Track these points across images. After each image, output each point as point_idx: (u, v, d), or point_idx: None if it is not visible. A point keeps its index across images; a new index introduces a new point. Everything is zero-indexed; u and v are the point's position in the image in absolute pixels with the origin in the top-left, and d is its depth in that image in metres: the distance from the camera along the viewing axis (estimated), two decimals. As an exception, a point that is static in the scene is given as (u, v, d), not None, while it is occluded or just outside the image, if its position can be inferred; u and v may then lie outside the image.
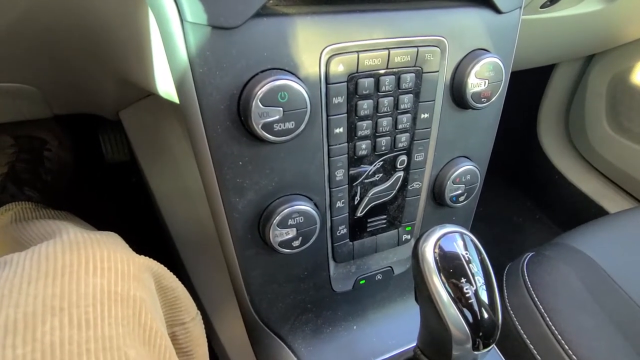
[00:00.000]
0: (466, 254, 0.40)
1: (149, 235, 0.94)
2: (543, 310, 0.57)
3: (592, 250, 0.69)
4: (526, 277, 0.62)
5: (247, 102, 0.36)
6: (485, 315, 0.39)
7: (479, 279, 0.39)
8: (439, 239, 0.40)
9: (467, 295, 0.38)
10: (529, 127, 1.32)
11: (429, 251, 0.39)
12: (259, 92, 0.35)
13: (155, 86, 0.44)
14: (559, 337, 0.54)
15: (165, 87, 0.42)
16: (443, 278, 0.38)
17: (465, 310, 0.38)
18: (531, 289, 0.60)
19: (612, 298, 0.62)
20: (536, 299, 0.59)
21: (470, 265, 0.39)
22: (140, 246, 1.02)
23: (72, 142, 0.93)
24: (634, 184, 1.14)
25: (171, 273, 0.42)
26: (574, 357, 0.52)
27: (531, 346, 0.56)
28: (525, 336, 0.57)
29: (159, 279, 0.40)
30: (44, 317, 0.28)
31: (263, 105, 0.36)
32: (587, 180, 1.26)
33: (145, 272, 0.37)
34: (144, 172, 0.73)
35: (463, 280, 0.39)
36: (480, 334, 0.39)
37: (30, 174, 0.82)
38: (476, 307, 0.38)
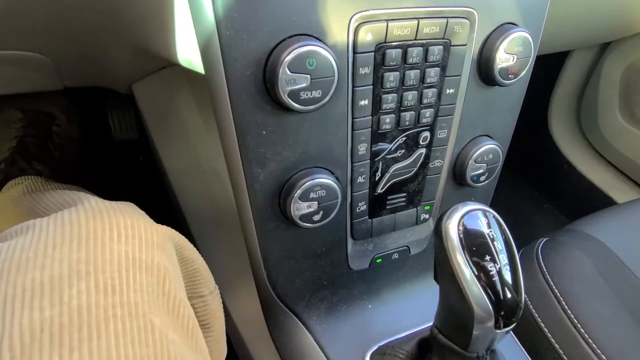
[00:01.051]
0: (490, 232, 0.39)
1: (159, 213, 0.94)
2: (559, 294, 0.56)
3: (605, 237, 0.68)
4: (541, 262, 0.62)
5: (274, 68, 0.34)
6: (509, 294, 0.38)
7: (503, 258, 0.39)
8: (462, 217, 0.39)
9: (490, 273, 0.38)
10: (540, 116, 1.31)
11: (452, 228, 0.38)
12: (287, 58, 0.34)
13: (175, 54, 0.43)
14: (575, 321, 0.54)
15: (187, 54, 0.40)
16: (467, 256, 0.38)
17: (489, 289, 0.38)
18: (546, 273, 0.60)
19: (625, 285, 0.61)
20: (552, 283, 0.58)
21: (495, 243, 0.39)
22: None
23: (80, 117, 0.92)
24: (644, 174, 1.13)
25: (192, 245, 0.41)
26: (590, 341, 0.52)
27: (545, 329, 0.56)
28: (539, 320, 0.57)
29: (181, 249, 0.39)
30: (71, 281, 0.27)
31: (290, 72, 0.35)
32: (596, 171, 1.25)
33: (168, 241, 0.36)
34: (157, 147, 0.72)
35: (487, 258, 0.38)
36: (502, 312, 0.38)
37: (39, 149, 0.81)
38: (499, 286, 0.38)
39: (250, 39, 0.34)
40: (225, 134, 0.38)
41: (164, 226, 0.37)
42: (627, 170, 1.19)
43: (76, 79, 0.69)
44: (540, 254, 0.64)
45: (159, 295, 0.31)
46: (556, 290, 0.57)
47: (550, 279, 0.59)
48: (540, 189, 1.38)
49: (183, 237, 0.40)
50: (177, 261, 0.38)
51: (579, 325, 0.53)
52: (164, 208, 0.84)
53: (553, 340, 0.54)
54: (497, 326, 0.39)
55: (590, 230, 0.70)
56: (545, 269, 0.60)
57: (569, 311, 0.55)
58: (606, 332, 0.53)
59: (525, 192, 1.39)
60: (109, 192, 1.00)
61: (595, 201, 1.21)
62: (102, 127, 1.04)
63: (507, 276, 0.38)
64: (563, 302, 0.56)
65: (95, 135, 1.04)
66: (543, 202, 1.37)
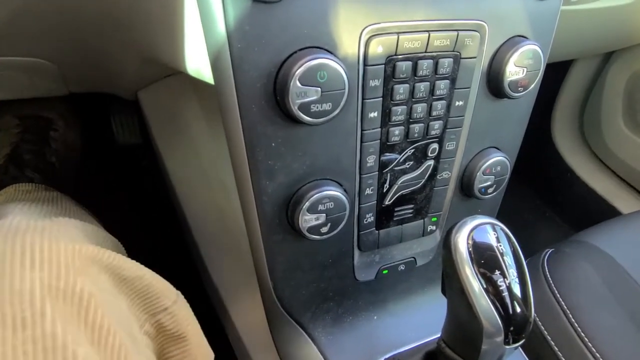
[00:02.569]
0: (499, 245, 0.39)
1: (160, 220, 0.93)
2: (565, 307, 0.56)
3: (611, 249, 0.68)
4: (547, 273, 0.61)
5: (285, 80, 0.34)
6: (518, 309, 0.38)
7: (512, 272, 0.38)
8: (472, 230, 0.39)
9: (500, 287, 0.38)
10: (543, 124, 1.31)
11: (462, 242, 0.38)
12: (298, 71, 0.34)
13: (184, 64, 0.43)
14: (582, 334, 0.53)
15: (196, 64, 0.40)
16: (475, 269, 0.37)
17: (498, 303, 0.37)
18: (552, 285, 0.60)
19: (632, 297, 0.61)
20: (558, 295, 0.58)
21: (504, 257, 0.39)
22: (150, 231, 1.01)
23: (80, 123, 0.91)
24: (648, 184, 1.13)
25: (133, 262, 0.39)
26: (597, 355, 0.51)
27: (552, 342, 0.55)
28: (545, 332, 0.56)
29: (118, 270, 0.36)
30: None
31: (301, 85, 0.34)
32: (599, 179, 1.24)
33: (94, 264, 0.34)
34: (161, 154, 0.72)
35: (497, 272, 0.38)
36: (512, 328, 0.38)
37: (33, 155, 0.80)
38: (508, 300, 0.38)
39: (261, 51, 0.34)
40: (234, 146, 0.38)
41: (92, 247, 0.34)
42: (630, 179, 1.18)
43: (82, 84, 0.69)
44: (546, 265, 0.63)
45: (80, 325, 0.29)
46: (563, 303, 0.57)
47: (556, 291, 0.59)
48: (543, 197, 1.37)
49: (119, 256, 0.37)
50: (111, 285, 0.35)
51: (586, 339, 0.53)
52: (166, 214, 0.84)
53: (560, 354, 0.54)
54: (506, 342, 0.38)
55: (597, 242, 0.69)
56: (551, 281, 0.60)
57: (576, 324, 0.54)
58: (614, 345, 0.53)
59: (527, 201, 1.39)
60: (109, 199, 1.00)
61: (598, 210, 1.21)
62: (105, 132, 1.03)
63: (517, 290, 0.38)
64: (570, 315, 0.55)
65: (97, 141, 1.03)
66: (545, 211, 1.36)
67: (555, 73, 1.21)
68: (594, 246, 0.68)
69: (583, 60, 1.19)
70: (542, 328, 0.57)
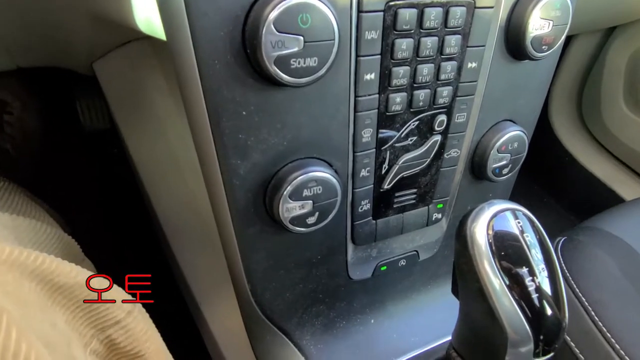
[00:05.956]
0: (526, 236, 0.32)
1: (132, 213, 0.85)
2: (587, 303, 0.49)
3: (625, 235, 0.62)
4: (562, 264, 0.55)
5: (256, 26, 0.26)
6: (549, 312, 0.31)
7: (542, 267, 0.32)
8: (492, 218, 0.32)
9: (527, 286, 0.31)
10: (540, 106, 1.25)
11: (480, 233, 0.32)
12: (273, 13, 0.26)
13: (132, 16, 0.34)
14: (607, 334, 0.47)
15: (145, 13, 0.32)
16: (497, 265, 0.31)
17: (525, 305, 0.31)
18: (570, 277, 0.53)
19: (654, 288, 0.55)
20: (577, 290, 0.51)
21: (531, 250, 0.32)
22: (120, 227, 0.93)
23: (41, 105, 0.81)
24: (649, 167, 1.08)
25: (74, 266, 0.32)
26: (626, 358, 0.45)
27: (572, 343, 0.49)
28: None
29: (50, 277, 0.30)
30: None
31: (278, 32, 0.26)
32: (599, 163, 1.20)
33: (12, 270, 0.28)
34: (124, 135, 0.63)
35: (523, 268, 0.31)
36: (542, 336, 0.31)
37: None
38: (538, 302, 0.31)
39: (223, -13, 0.26)
40: (194, 116, 0.30)
41: (9, 248, 0.28)
42: (631, 163, 1.13)
43: (30, 56, 0.59)
44: (560, 255, 0.57)
45: None
46: (583, 299, 0.50)
47: (574, 285, 0.52)
48: (541, 182, 1.32)
49: (52, 258, 0.31)
50: (39, 295, 0.29)
51: (612, 340, 0.46)
52: (137, 206, 0.76)
53: (582, 357, 0.48)
54: (536, 353, 0.32)
55: (610, 228, 0.63)
56: (568, 274, 0.53)
57: (600, 322, 0.48)
58: (642, 346, 0.46)
59: (524, 186, 1.34)
60: (76, 190, 0.90)
61: (597, 195, 1.16)
62: (69, 116, 0.94)
63: (547, 289, 0.31)
64: (592, 312, 0.49)
65: (61, 126, 0.93)
66: (543, 197, 1.31)
67: (553, 51, 1.15)
68: (609, 233, 0.62)
69: (582, 38, 1.13)
70: (560, 327, 0.51)
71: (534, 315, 0.30)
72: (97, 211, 0.92)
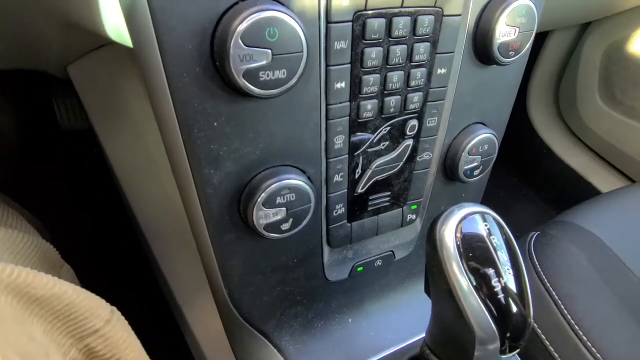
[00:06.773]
0: (493, 239, 0.33)
1: (111, 216, 0.84)
2: (557, 297, 0.51)
3: (597, 229, 0.64)
4: (535, 260, 0.57)
5: (224, 40, 0.26)
6: (515, 310, 0.33)
7: (508, 269, 0.33)
8: (460, 221, 0.33)
9: (494, 286, 0.32)
10: (518, 100, 1.27)
11: (449, 236, 0.33)
12: (240, 27, 0.26)
13: (102, 25, 0.34)
14: (576, 327, 0.49)
15: (115, 22, 0.32)
16: (465, 266, 0.32)
17: (491, 304, 0.32)
18: (541, 272, 0.55)
19: (623, 282, 0.57)
20: (548, 285, 0.53)
21: (498, 252, 0.33)
22: (100, 231, 0.92)
23: (16, 106, 0.80)
24: (624, 159, 1.11)
25: (50, 277, 0.32)
26: (593, 350, 0.47)
27: (543, 336, 0.51)
28: (536, 325, 0.51)
29: (26, 289, 0.30)
30: None
31: (246, 46, 0.27)
32: (576, 156, 1.22)
33: None
34: (100, 139, 0.62)
35: (491, 270, 0.32)
36: (509, 333, 0.33)
37: None
38: (504, 300, 0.32)
39: (191, 1, 0.26)
40: (166, 127, 0.30)
41: None
42: (606, 155, 1.16)
43: (2, 61, 0.58)
44: (533, 250, 0.58)
45: None
46: (554, 293, 0.52)
47: (546, 280, 0.54)
48: (519, 175, 1.34)
49: (28, 271, 0.31)
50: (15, 308, 0.29)
51: (580, 333, 0.48)
52: (117, 209, 0.75)
53: (552, 349, 0.49)
54: (502, 350, 0.33)
55: (582, 222, 0.65)
56: (540, 268, 0.55)
57: (569, 316, 0.50)
58: (610, 338, 0.48)
59: (503, 179, 1.36)
60: (53, 192, 0.89)
61: (575, 187, 1.19)
62: (47, 116, 0.92)
63: (513, 288, 0.33)
64: (562, 306, 0.51)
65: (39, 126, 0.92)
66: (522, 189, 1.33)
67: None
68: (580, 227, 0.64)
69: (559, 33, 1.15)
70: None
71: (500, 314, 0.31)
72: (77, 213, 0.91)
